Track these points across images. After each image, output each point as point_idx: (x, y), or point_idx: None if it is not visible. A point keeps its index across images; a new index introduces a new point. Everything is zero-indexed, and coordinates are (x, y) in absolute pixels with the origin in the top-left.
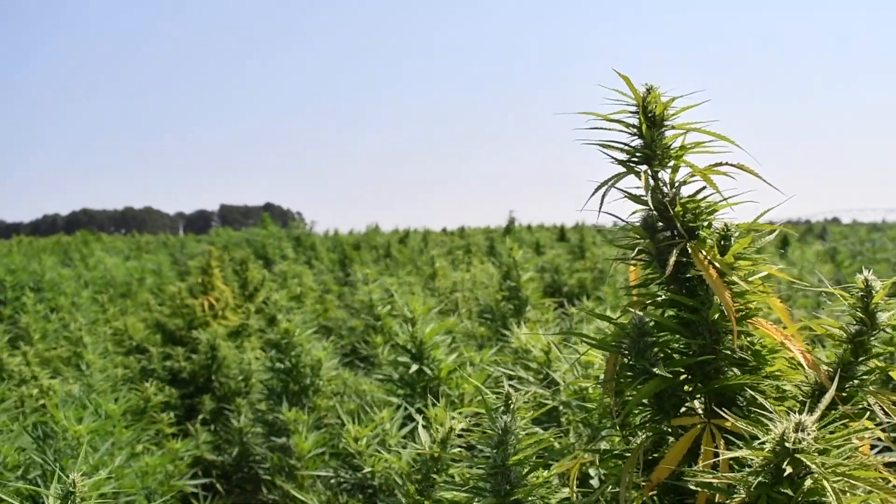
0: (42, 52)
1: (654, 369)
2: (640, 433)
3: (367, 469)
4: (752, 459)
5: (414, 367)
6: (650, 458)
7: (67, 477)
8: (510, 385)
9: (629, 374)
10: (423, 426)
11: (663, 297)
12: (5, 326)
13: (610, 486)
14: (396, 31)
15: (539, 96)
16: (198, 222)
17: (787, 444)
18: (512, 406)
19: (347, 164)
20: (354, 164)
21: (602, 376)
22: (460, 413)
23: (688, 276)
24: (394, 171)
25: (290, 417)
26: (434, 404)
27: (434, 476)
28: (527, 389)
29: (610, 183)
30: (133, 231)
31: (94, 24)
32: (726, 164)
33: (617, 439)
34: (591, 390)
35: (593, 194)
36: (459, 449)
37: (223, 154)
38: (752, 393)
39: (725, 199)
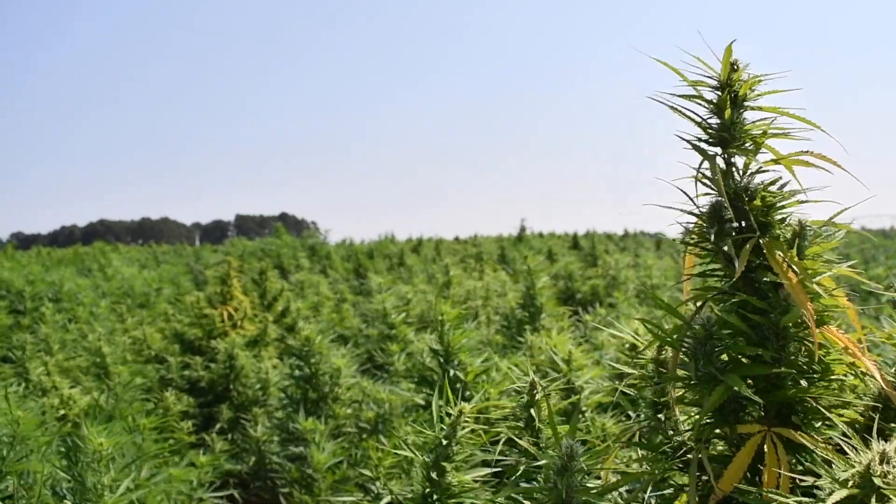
0: (60, 65)
1: (723, 376)
2: (682, 432)
3: (386, 500)
4: (827, 487)
5: (439, 373)
6: (710, 465)
7: (99, 490)
8: (535, 380)
9: (694, 376)
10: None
11: (726, 293)
12: (26, 336)
13: (650, 487)
14: (410, 41)
15: (551, 105)
16: (214, 232)
17: (874, 479)
18: (537, 396)
19: (361, 173)
20: (368, 173)
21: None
22: (494, 409)
23: (754, 274)
24: (407, 180)
25: (306, 427)
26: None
27: (444, 463)
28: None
29: (697, 168)
30: (150, 241)
31: (112, 37)
32: (811, 153)
33: (658, 438)
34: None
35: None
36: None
37: (239, 164)
38: (817, 405)
39: (805, 192)
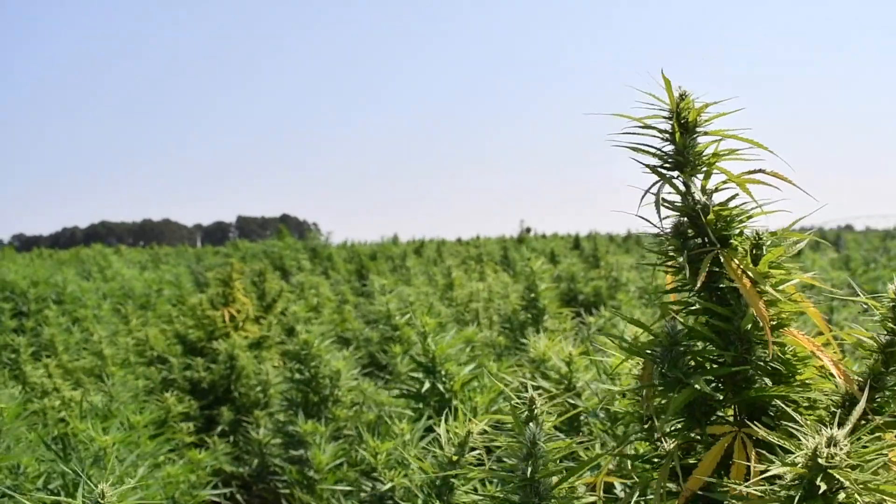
0: (62, 65)
1: (688, 379)
2: (668, 440)
3: (386, 486)
4: (784, 473)
5: (427, 385)
6: (679, 465)
7: (95, 487)
8: (534, 391)
9: (662, 382)
10: (443, 431)
11: (696, 305)
12: (28, 338)
13: (637, 493)
14: (411, 42)
15: (552, 106)
16: (215, 234)
17: (819, 460)
18: (536, 413)
19: (363, 175)
20: (370, 174)
21: (632, 384)
22: (480, 420)
23: (719, 284)
24: (409, 182)
25: (307, 429)
26: (446, 419)
27: (453, 480)
28: (549, 395)
29: (649, 190)
30: (152, 243)
31: (113, 38)
32: (761, 171)
33: (644, 446)
34: (618, 398)
35: (644, 195)
36: (478, 453)
37: (240, 166)
38: (783, 403)
39: (760, 207)
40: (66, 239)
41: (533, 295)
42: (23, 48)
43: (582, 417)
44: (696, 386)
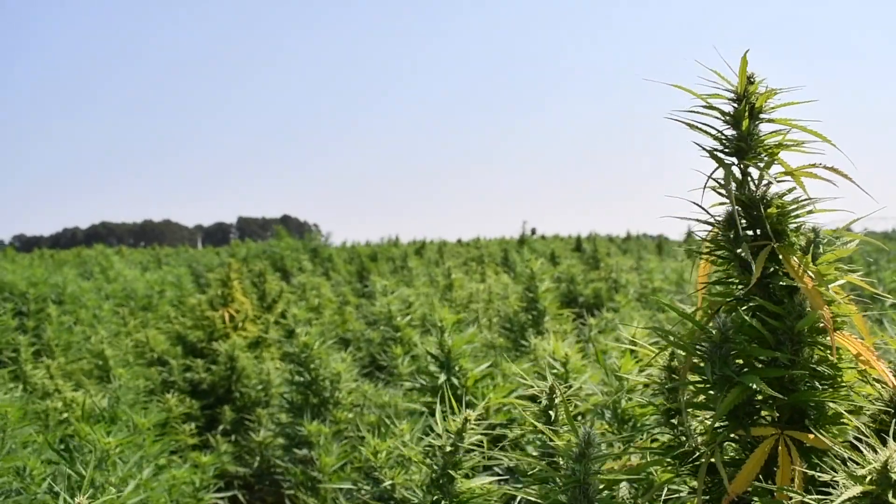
0: (63, 66)
1: (739, 378)
2: (693, 437)
3: (387, 483)
4: (843, 484)
5: (442, 378)
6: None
7: (99, 489)
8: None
9: (710, 379)
10: (439, 418)
11: (741, 299)
12: (29, 339)
13: (663, 488)
14: (413, 42)
15: (553, 106)
16: (216, 234)
17: (890, 474)
18: (556, 399)
19: (363, 175)
20: (370, 175)
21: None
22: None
23: (769, 280)
24: (410, 183)
25: (312, 430)
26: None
27: (451, 471)
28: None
29: (709, 175)
30: (153, 244)
31: (114, 38)
32: (821, 166)
33: (667, 441)
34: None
35: (707, 180)
36: (479, 438)
37: (241, 167)
38: (830, 408)
39: (812, 203)
40: (67, 239)
41: (533, 296)
42: (24, 48)
43: (584, 417)
44: (753, 386)
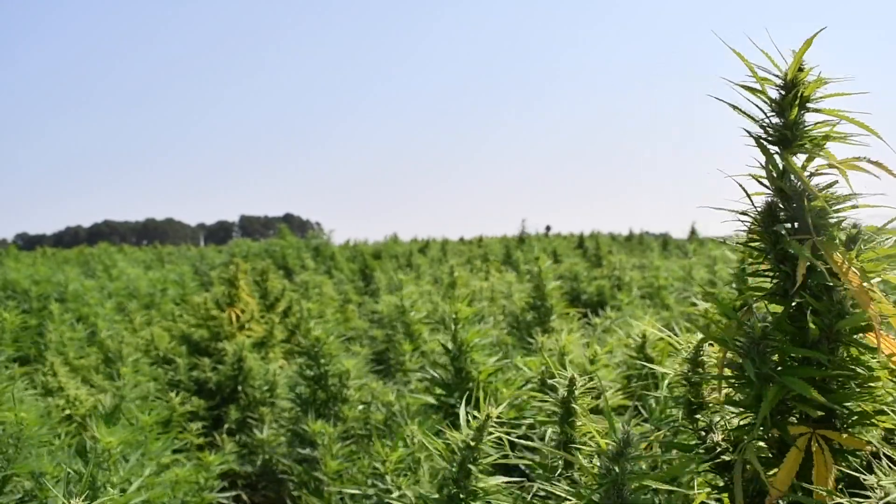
0: (65, 65)
1: (780, 376)
2: (716, 433)
3: (395, 493)
4: (882, 485)
5: (453, 372)
6: (728, 461)
7: (100, 489)
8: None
9: (750, 375)
10: (462, 413)
11: (779, 294)
12: (32, 337)
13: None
14: (413, 41)
15: (554, 106)
16: (218, 233)
17: None
18: (576, 392)
19: (365, 174)
20: (372, 174)
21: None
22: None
23: (808, 276)
24: (411, 181)
25: (316, 429)
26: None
27: (470, 466)
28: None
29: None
30: (155, 242)
31: (116, 37)
32: (867, 160)
33: (688, 437)
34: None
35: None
36: (497, 436)
37: (243, 165)
38: (863, 406)
39: (856, 197)
40: (70, 238)
41: (540, 294)
42: (26, 47)
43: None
44: (790, 386)
